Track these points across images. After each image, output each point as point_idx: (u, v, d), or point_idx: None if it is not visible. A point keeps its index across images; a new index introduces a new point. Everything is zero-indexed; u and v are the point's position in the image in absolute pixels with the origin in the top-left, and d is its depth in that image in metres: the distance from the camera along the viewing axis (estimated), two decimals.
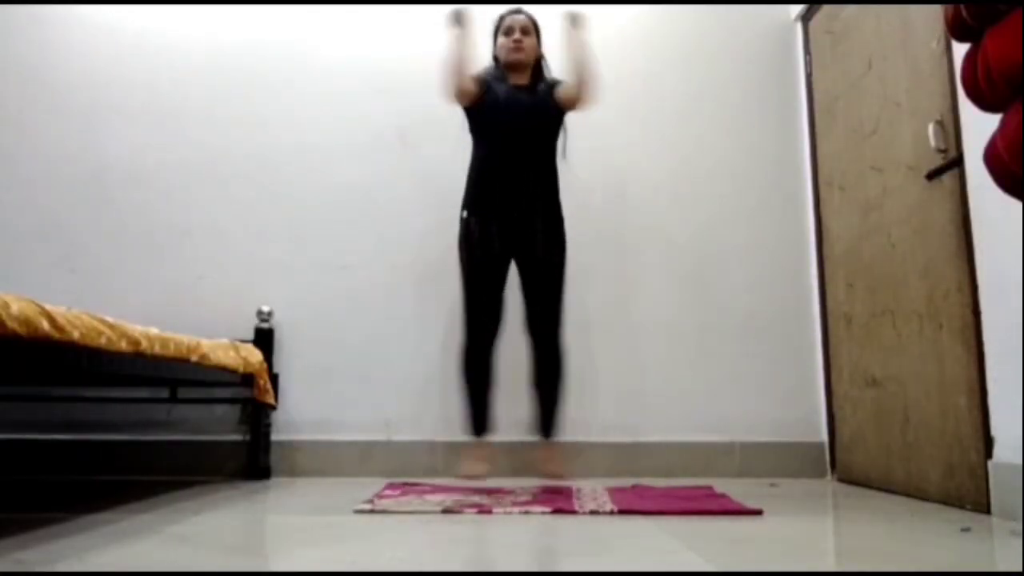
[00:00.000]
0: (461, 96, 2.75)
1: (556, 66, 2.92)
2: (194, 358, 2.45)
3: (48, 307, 1.72)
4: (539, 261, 2.72)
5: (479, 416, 2.72)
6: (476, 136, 2.83)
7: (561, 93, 2.80)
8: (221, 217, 3.35)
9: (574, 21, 2.79)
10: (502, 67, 2.84)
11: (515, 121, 2.76)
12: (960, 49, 1.85)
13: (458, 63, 2.72)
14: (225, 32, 3.47)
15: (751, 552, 1.73)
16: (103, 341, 1.90)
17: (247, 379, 2.95)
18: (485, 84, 2.79)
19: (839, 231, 3.08)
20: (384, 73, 3.44)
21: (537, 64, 2.87)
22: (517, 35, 2.80)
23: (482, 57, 2.88)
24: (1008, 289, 2.05)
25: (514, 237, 2.73)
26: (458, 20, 2.75)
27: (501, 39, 2.84)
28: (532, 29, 2.85)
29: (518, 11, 2.87)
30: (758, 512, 2.20)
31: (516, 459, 3.14)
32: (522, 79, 2.83)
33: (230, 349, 2.82)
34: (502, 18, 2.86)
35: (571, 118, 2.87)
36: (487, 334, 2.71)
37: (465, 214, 2.76)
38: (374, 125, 3.40)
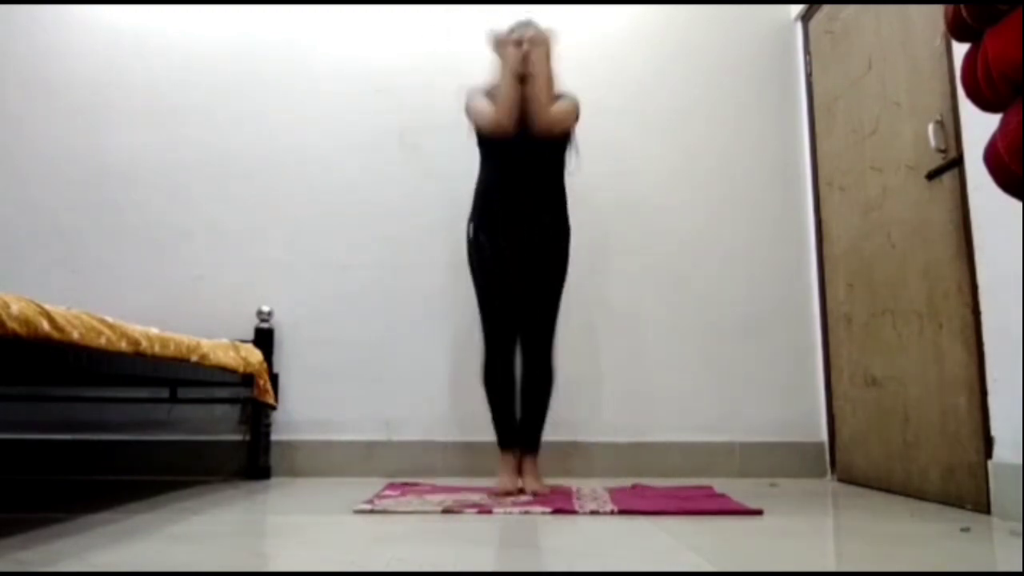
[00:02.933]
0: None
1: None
2: (194, 358, 2.45)
3: (48, 307, 1.72)
4: (538, 279, 2.72)
5: (507, 428, 2.70)
6: (484, 152, 2.81)
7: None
8: (221, 217, 3.35)
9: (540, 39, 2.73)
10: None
11: (522, 140, 2.72)
12: (960, 49, 1.85)
13: (514, 99, 2.68)
14: (225, 32, 3.47)
15: (751, 552, 1.73)
16: (103, 341, 1.90)
17: (247, 379, 2.95)
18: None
19: (839, 231, 3.08)
20: (384, 73, 3.44)
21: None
22: (526, 47, 2.74)
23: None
24: (1008, 289, 2.05)
25: (520, 251, 2.71)
26: (498, 45, 2.72)
27: (510, 51, 2.76)
28: (541, 41, 2.79)
29: (527, 24, 2.82)
30: (758, 512, 2.20)
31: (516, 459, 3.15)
32: (531, 93, 2.77)
33: (230, 349, 2.82)
34: (511, 31, 2.81)
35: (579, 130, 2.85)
36: (507, 344, 2.70)
37: (472, 230, 2.75)
38: (374, 125, 3.40)
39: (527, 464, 2.68)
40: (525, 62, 2.74)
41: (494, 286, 2.71)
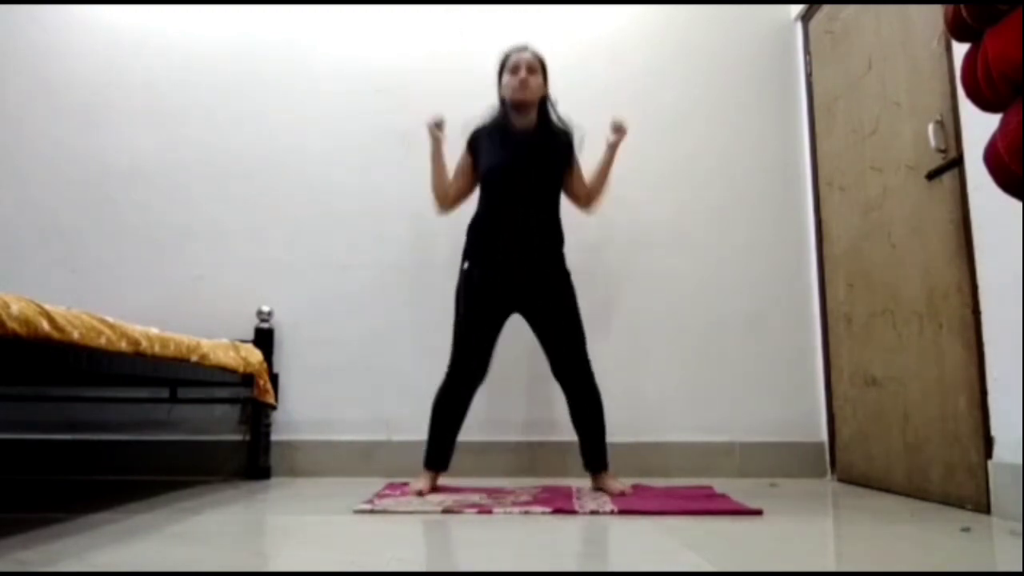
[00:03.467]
0: (451, 205, 2.85)
1: (565, 106, 2.89)
2: (194, 358, 2.45)
3: (48, 307, 1.72)
4: (552, 313, 2.70)
5: (442, 454, 2.69)
6: (480, 187, 2.80)
7: (575, 185, 2.85)
8: (221, 217, 3.35)
9: (619, 131, 2.81)
10: (508, 106, 2.77)
11: (519, 171, 2.71)
12: (960, 49, 1.85)
13: (441, 178, 2.81)
14: (225, 32, 3.47)
15: (751, 552, 1.73)
16: (103, 341, 1.90)
17: (247, 379, 2.95)
18: (477, 144, 2.79)
19: (839, 231, 3.08)
20: (384, 73, 3.44)
21: (543, 103, 2.80)
22: (523, 73, 2.72)
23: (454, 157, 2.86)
24: (1008, 289, 2.05)
25: (519, 293, 2.70)
26: (438, 128, 2.81)
27: (506, 77, 2.76)
28: (538, 67, 2.76)
29: (524, 48, 2.79)
30: (758, 512, 2.20)
31: (516, 459, 3.15)
32: (528, 119, 2.77)
33: (230, 349, 2.82)
34: (507, 56, 2.79)
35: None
36: (471, 382, 2.69)
37: (467, 266, 2.73)
38: (374, 125, 3.40)
39: (605, 480, 2.66)
40: (522, 88, 2.73)
41: (478, 323, 2.68)
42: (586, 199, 2.87)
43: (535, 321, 2.74)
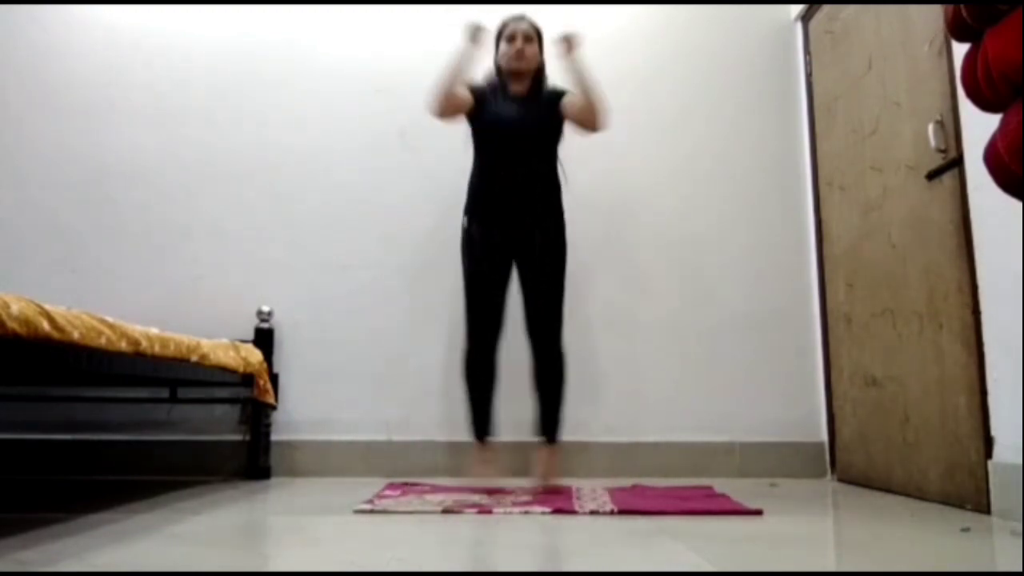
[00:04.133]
0: (445, 113, 2.72)
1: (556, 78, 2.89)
2: (194, 358, 2.45)
3: (48, 307, 1.72)
4: (539, 266, 2.72)
5: (482, 419, 2.73)
6: (477, 145, 2.81)
7: (571, 113, 2.74)
8: (221, 217, 3.35)
9: (568, 43, 2.71)
10: (504, 74, 2.82)
11: (514, 132, 2.75)
12: (960, 49, 1.85)
13: (454, 80, 2.68)
14: (225, 32, 3.47)
15: (751, 552, 1.73)
16: (103, 341, 1.90)
17: (247, 379, 2.95)
18: (480, 95, 2.78)
19: (839, 231, 3.08)
20: (384, 73, 3.44)
21: (538, 72, 2.84)
22: (519, 43, 2.76)
23: (480, 71, 2.84)
24: (1008, 289, 2.05)
25: (516, 243, 2.73)
26: (474, 37, 2.73)
27: (503, 46, 2.81)
28: (534, 37, 2.81)
29: (520, 18, 2.83)
30: (758, 512, 2.20)
31: (516, 459, 3.15)
32: (523, 87, 2.81)
33: (230, 349, 2.82)
34: (504, 25, 2.84)
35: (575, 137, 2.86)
36: (489, 338, 2.71)
37: (466, 221, 2.77)
38: (374, 125, 3.40)
39: (546, 455, 2.68)
40: (518, 57, 2.76)
41: (481, 277, 2.72)
42: (582, 116, 2.73)
43: (522, 272, 2.75)
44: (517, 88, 2.81)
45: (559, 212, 2.78)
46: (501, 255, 2.73)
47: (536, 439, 2.74)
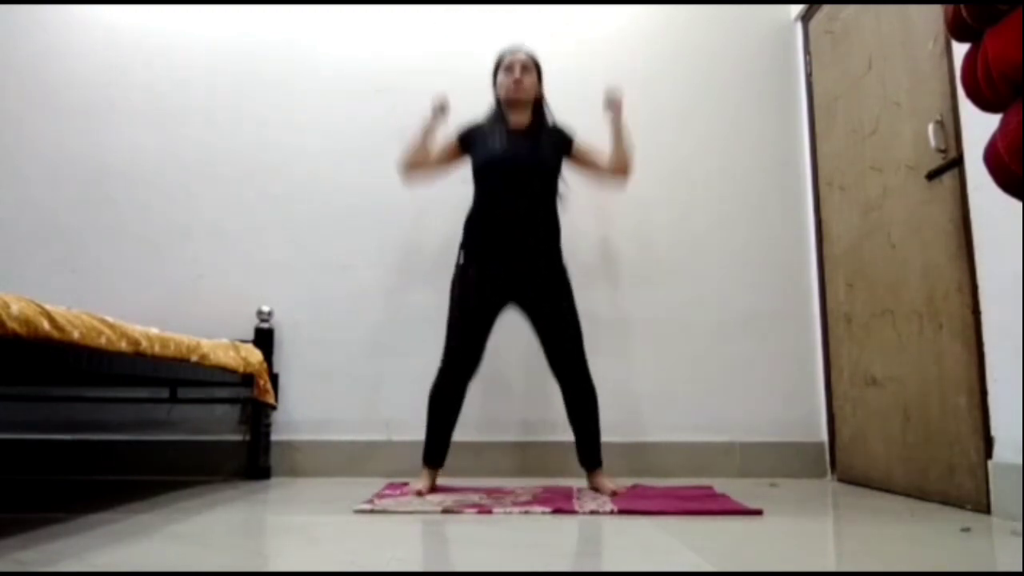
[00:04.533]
0: (409, 178, 2.88)
1: (557, 107, 2.91)
2: (194, 358, 2.45)
3: (48, 307, 1.72)
4: (550, 306, 2.70)
5: (439, 449, 2.70)
6: (476, 180, 2.80)
7: (596, 162, 2.84)
8: (221, 217, 3.35)
9: (611, 104, 2.81)
10: (503, 105, 2.81)
11: (513, 164, 2.73)
12: (960, 49, 1.85)
13: (416, 152, 2.82)
14: (225, 32, 3.47)
15: (751, 552, 1.73)
16: (103, 341, 1.90)
17: (247, 379, 2.95)
18: (472, 135, 2.80)
19: (839, 231, 3.08)
20: (384, 73, 3.44)
21: (538, 103, 2.84)
22: (517, 73, 2.76)
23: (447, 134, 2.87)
24: (1008, 289, 2.05)
25: (515, 285, 2.70)
26: (439, 110, 2.83)
27: (501, 77, 2.81)
28: (532, 67, 2.81)
29: (518, 49, 2.84)
30: (758, 512, 2.20)
31: (516, 459, 3.15)
32: (522, 118, 2.80)
33: (230, 349, 2.82)
34: (502, 56, 2.84)
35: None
36: (465, 374, 2.69)
37: (462, 258, 2.73)
38: (374, 125, 3.40)
39: (598, 478, 2.68)
40: (516, 88, 2.76)
41: (468, 314, 2.68)
42: (615, 171, 2.83)
43: (532, 315, 2.74)
44: (517, 120, 2.80)
45: (558, 250, 2.76)
46: (495, 299, 2.71)
47: (584, 469, 2.72)
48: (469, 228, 2.76)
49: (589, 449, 2.71)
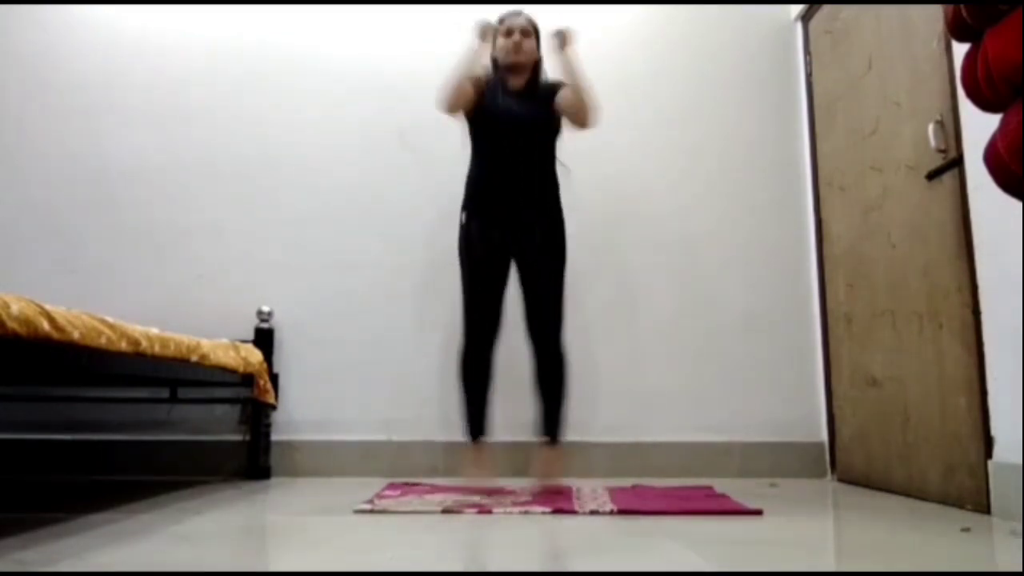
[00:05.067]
0: (454, 108, 2.74)
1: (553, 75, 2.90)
2: (194, 358, 2.45)
3: (48, 307, 1.72)
4: (538, 265, 2.72)
5: (477, 419, 2.72)
6: (474, 141, 2.82)
7: (563, 107, 2.75)
8: (221, 217, 3.35)
9: (561, 39, 2.75)
10: (501, 69, 2.83)
11: (512, 126, 2.75)
12: (960, 49, 1.85)
13: (466, 76, 2.72)
14: (225, 32, 3.47)
15: (751, 552, 1.73)
16: (103, 341, 1.90)
17: (247, 379, 2.95)
18: (482, 87, 2.79)
19: (839, 231, 3.08)
20: (384, 73, 3.44)
21: (536, 67, 2.86)
22: (516, 37, 2.79)
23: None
24: (1008, 289, 2.05)
25: (514, 241, 2.73)
26: (484, 35, 2.79)
27: (500, 41, 2.83)
28: (532, 32, 2.84)
29: (518, 13, 2.86)
30: (758, 512, 2.20)
31: (516, 459, 3.15)
32: (520, 82, 2.82)
33: (230, 349, 2.82)
34: (502, 20, 2.86)
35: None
36: (486, 337, 2.71)
37: (464, 218, 2.76)
38: (374, 125, 3.40)
39: (547, 455, 2.68)
40: (516, 51, 2.78)
41: (480, 276, 2.71)
42: (573, 113, 2.73)
43: (522, 270, 2.75)
44: (515, 83, 2.82)
45: (558, 210, 2.78)
46: (500, 253, 2.73)
47: (537, 439, 2.73)
48: (470, 187, 2.78)
49: (548, 418, 2.70)
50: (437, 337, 3.24)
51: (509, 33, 2.80)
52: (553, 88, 2.83)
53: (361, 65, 3.46)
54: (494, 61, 2.86)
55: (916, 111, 2.50)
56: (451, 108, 2.75)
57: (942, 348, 2.36)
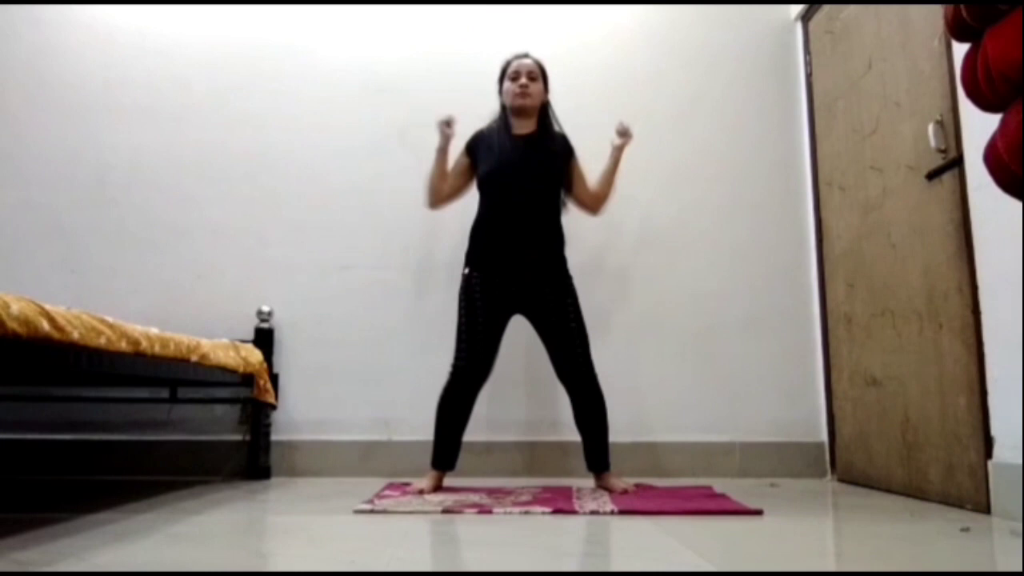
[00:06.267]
0: (436, 205, 2.88)
1: (557, 107, 2.92)
2: (194, 358, 2.45)
3: (48, 307, 1.72)
4: (556, 316, 2.71)
5: (449, 454, 2.70)
6: (481, 189, 2.81)
7: (578, 193, 2.86)
8: (221, 217, 3.35)
9: (622, 134, 2.84)
10: (508, 112, 2.82)
11: (518, 171, 2.74)
12: (960, 49, 1.85)
13: (439, 177, 2.82)
14: (225, 32, 3.47)
15: (751, 552, 1.73)
16: (103, 341, 1.90)
17: (247, 379, 2.95)
18: (477, 145, 2.81)
19: (839, 231, 3.08)
20: (384, 73, 3.44)
21: (543, 110, 2.84)
22: (523, 80, 2.77)
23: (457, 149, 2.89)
24: (1008, 289, 2.05)
25: (521, 294, 2.71)
26: (444, 129, 2.81)
27: (507, 84, 2.81)
28: (538, 74, 2.81)
29: (524, 56, 2.84)
30: (758, 512, 2.20)
31: (516, 459, 3.15)
32: (528, 125, 2.81)
33: (230, 349, 2.82)
34: (508, 63, 2.84)
35: (572, 134, 2.89)
36: (473, 385, 2.70)
37: (468, 270, 2.75)
38: (374, 125, 3.40)
39: (608, 480, 2.68)
40: (523, 95, 2.77)
41: (477, 326, 2.69)
42: (593, 202, 2.89)
43: (538, 324, 2.75)
44: (522, 126, 2.81)
45: (563, 258, 2.78)
46: (503, 304, 2.72)
47: (593, 475, 2.74)
48: (474, 238, 2.78)
49: (598, 454, 2.71)
50: (437, 336, 3.23)
51: (515, 76, 2.79)
52: (566, 145, 2.84)
53: (361, 65, 3.46)
54: (502, 105, 2.85)
55: (916, 111, 2.50)
56: (434, 206, 2.88)
57: (942, 348, 2.36)
